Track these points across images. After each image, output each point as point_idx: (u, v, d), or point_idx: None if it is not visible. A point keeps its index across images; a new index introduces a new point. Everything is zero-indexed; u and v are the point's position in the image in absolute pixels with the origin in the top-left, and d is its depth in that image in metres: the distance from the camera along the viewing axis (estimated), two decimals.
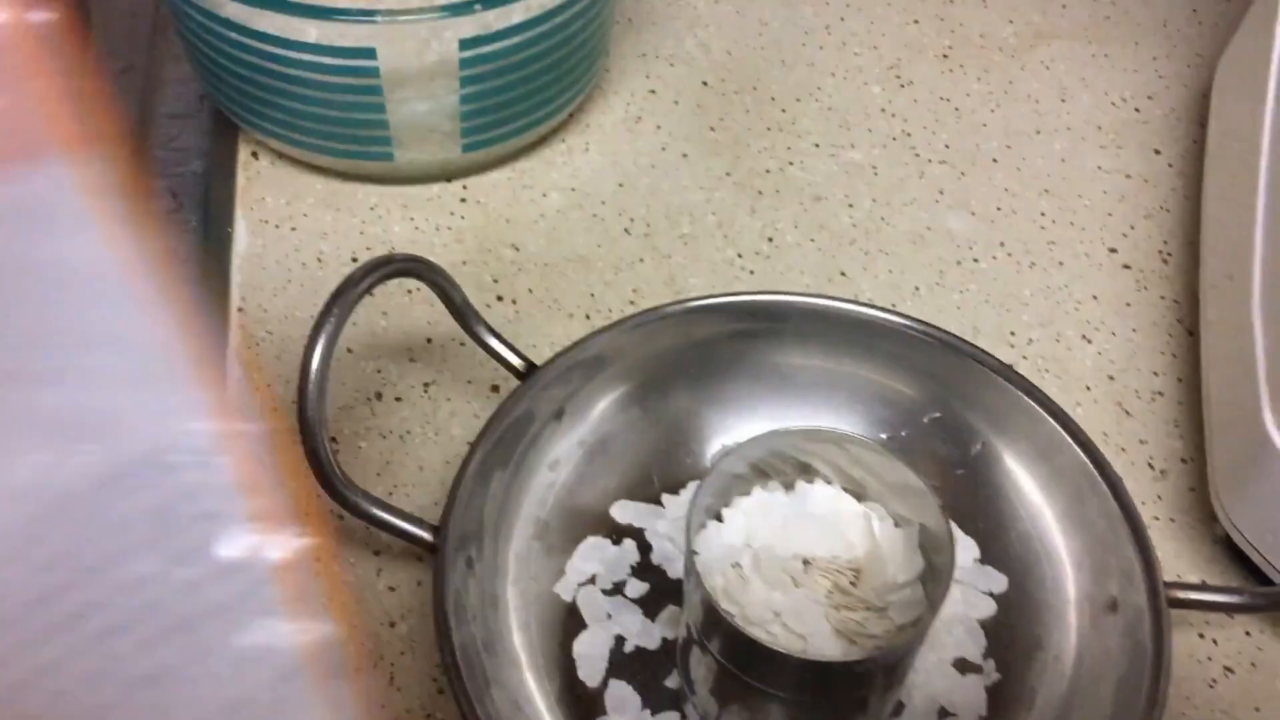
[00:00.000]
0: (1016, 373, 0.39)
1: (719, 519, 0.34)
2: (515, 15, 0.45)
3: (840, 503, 0.34)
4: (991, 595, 0.38)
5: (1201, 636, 0.39)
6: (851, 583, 0.33)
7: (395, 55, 0.45)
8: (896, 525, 0.34)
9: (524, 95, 0.49)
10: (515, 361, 0.39)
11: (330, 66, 0.46)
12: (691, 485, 0.40)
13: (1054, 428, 0.38)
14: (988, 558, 0.39)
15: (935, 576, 0.32)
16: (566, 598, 0.38)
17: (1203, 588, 0.35)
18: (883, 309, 0.41)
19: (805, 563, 0.33)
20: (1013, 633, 0.38)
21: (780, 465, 0.35)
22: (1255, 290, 0.39)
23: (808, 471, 0.35)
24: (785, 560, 0.33)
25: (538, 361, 0.40)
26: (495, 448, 0.38)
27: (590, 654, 0.37)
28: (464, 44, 0.45)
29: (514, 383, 0.40)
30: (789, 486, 0.35)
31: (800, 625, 0.31)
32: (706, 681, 0.33)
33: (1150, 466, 0.43)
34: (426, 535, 0.35)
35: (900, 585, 0.32)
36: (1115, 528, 0.36)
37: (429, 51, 0.45)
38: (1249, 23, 0.50)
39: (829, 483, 0.34)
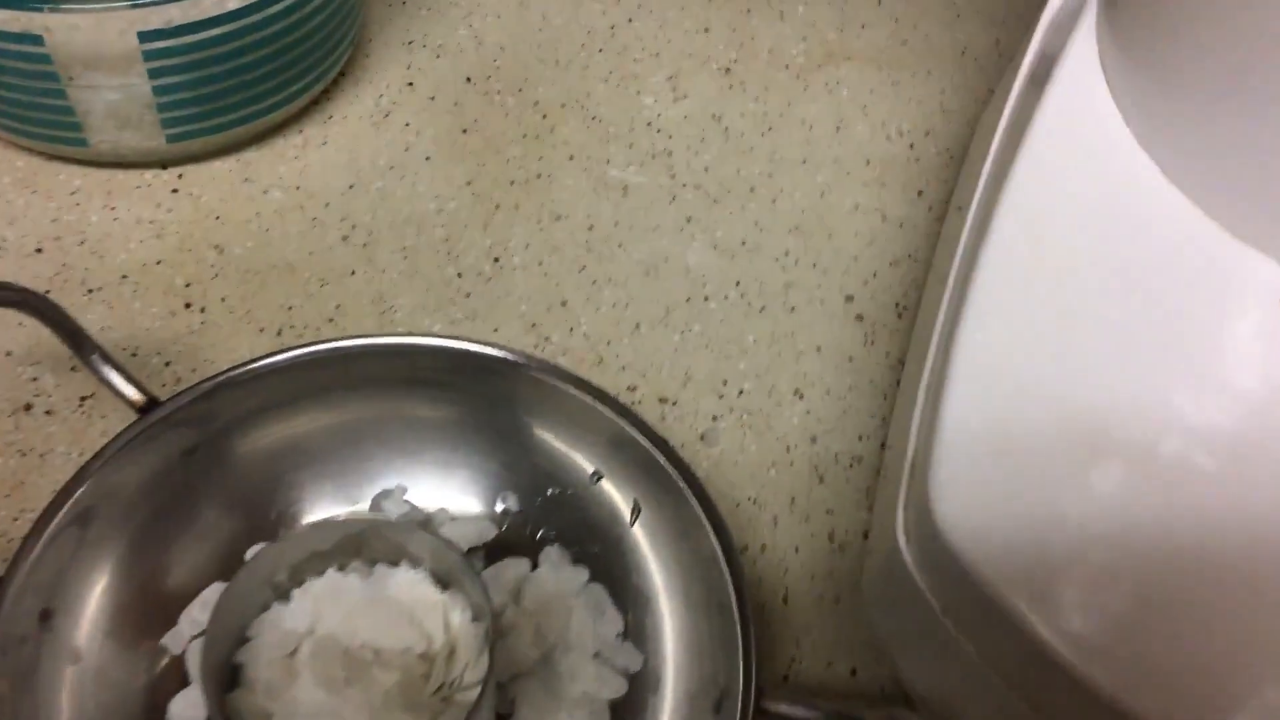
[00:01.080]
0: (669, 446, 0.37)
1: (287, 598, 0.32)
2: (203, 9, 0.42)
3: (421, 589, 0.32)
4: (626, 674, 0.37)
5: None
6: (424, 676, 0.31)
7: (67, 43, 0.41)
8: (476, 618, 0.32)
9: (234, 88, 0.46)
10: (133, 395, 0.36)
11: (2, 50, 0.42)
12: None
13: (695, 507, 0.36)
14: (631, 634, 0.37)
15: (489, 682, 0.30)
16: (175, 650, 0.36)
17: (800, 697, 0.33)
18: (540, 362, 0.38)
19: (376, 652, 0.31)
20: (637, 717, 0.36)
21: (374, 543, 0.32)
22: (926, 367, 0.37)
23: (401, 552, 0.32)
24: (351, 650, 0.31)
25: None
26: (96, 488, 0.35)
27: (186, 715, 0.35)
28: (144, 36, 0.42)
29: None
30: (371, 568, 0.32)
31: None
32: None
33: (830, 539, 0.41)
34: None
35: (468, 685, 0.31)
36: (731, 623, 0.34)
37: (106, 42, 0.42)
38: (1010, 72, 0.48)
39: (415, 566, 0.32)
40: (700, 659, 0.35)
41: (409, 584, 0.32)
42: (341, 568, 0.32)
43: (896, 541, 0.34)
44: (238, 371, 0.37)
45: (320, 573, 0.32)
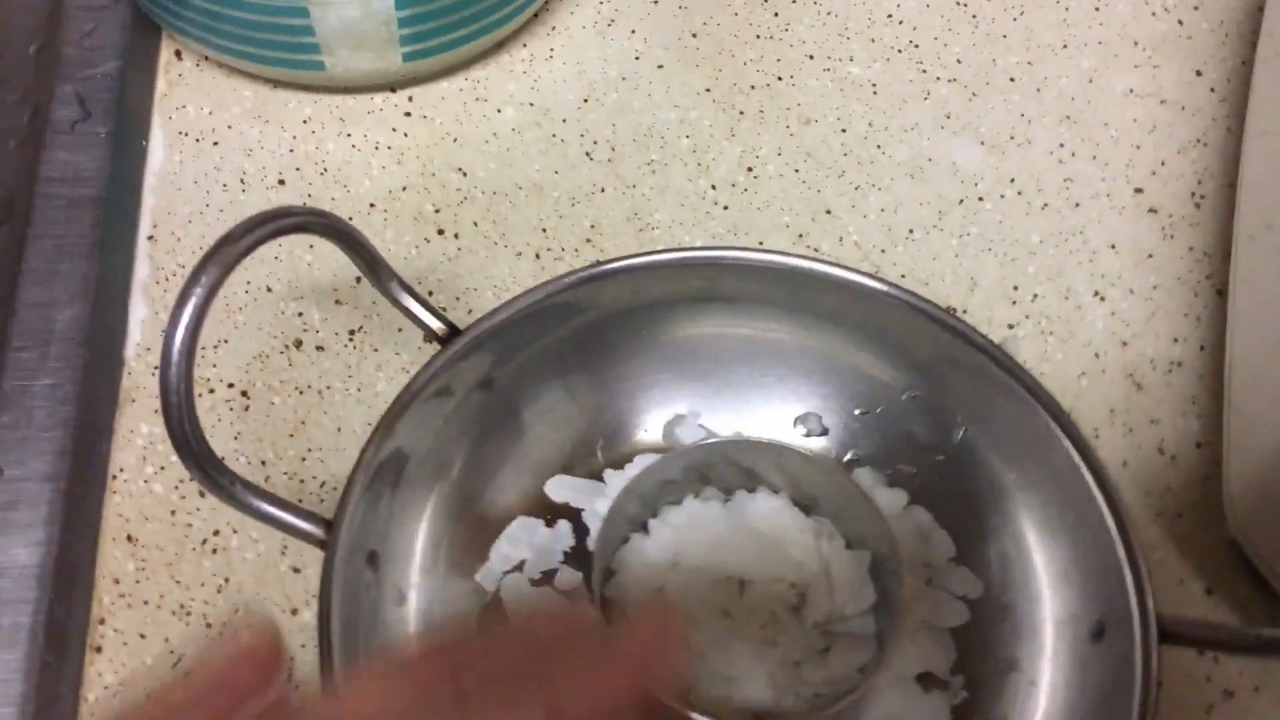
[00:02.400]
0: (1004, 353, 0.34)
1: (645, 529, 0.29)
2: None
3: (785, 516, 0.29)
4: (965, 601, 0.34)
5: (1201, 653, 0.35)
6: (794, 608, 0.28)
7: None
8: (849, 546, 0.29)
9: (467, 1, 0.43)
10: (434, 324, 0.34)
11: None
12: (639, 460, 0.35)
13: (1045, 420, 0.33)
14: (964, 557, 0.35)
15: (889, 615, 0.27)
16: (489, 587, 0.34)
17: (1204, 626, 0.30)
18: (856, 270, 0.35)
19: (741, 584, 0.29)
20: (986, 647, 0.33)
21: (722, 470, 0.30)
22: None
23: (752, 478, 0.30)
24: (718, 582, 0.29)
25: (467, 319, 0.35)
26: (406, 425, 0.33)
27: None
28: None
29: None
30: (727, 495, 0.30)
31: (728, 666, 0.27)
32: None
33: (1160, 451, 0.38)
34: (316, 531, 0.31)
35: (849, 617, 0.28)
36: (1107, 544, 0.31)
37: None
38: None
39: (775, 492, 0.30)
40: (1062, 583, 0.33)
41: (771, 511, 0.29)
42: (697, 495, 0.30)
43: None
44: (540, 295, 0.35)
45: (676, 502, 0.30)
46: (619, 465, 0.36)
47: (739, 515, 0.29)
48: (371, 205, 0.43)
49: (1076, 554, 0.32)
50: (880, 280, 0.35)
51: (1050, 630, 0.32)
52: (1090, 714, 0.30)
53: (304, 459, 0.38)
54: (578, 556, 0.35)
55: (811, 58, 0.48)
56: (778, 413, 0.37)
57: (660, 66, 0.48)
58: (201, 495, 0.37)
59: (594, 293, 0.35)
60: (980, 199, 0.44)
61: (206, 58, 0.46)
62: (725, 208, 0.44)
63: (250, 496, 0.30)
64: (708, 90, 0.47)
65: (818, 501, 0.30)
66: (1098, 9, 0.49)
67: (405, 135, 0.45)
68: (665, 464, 0.29)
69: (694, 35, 0.49)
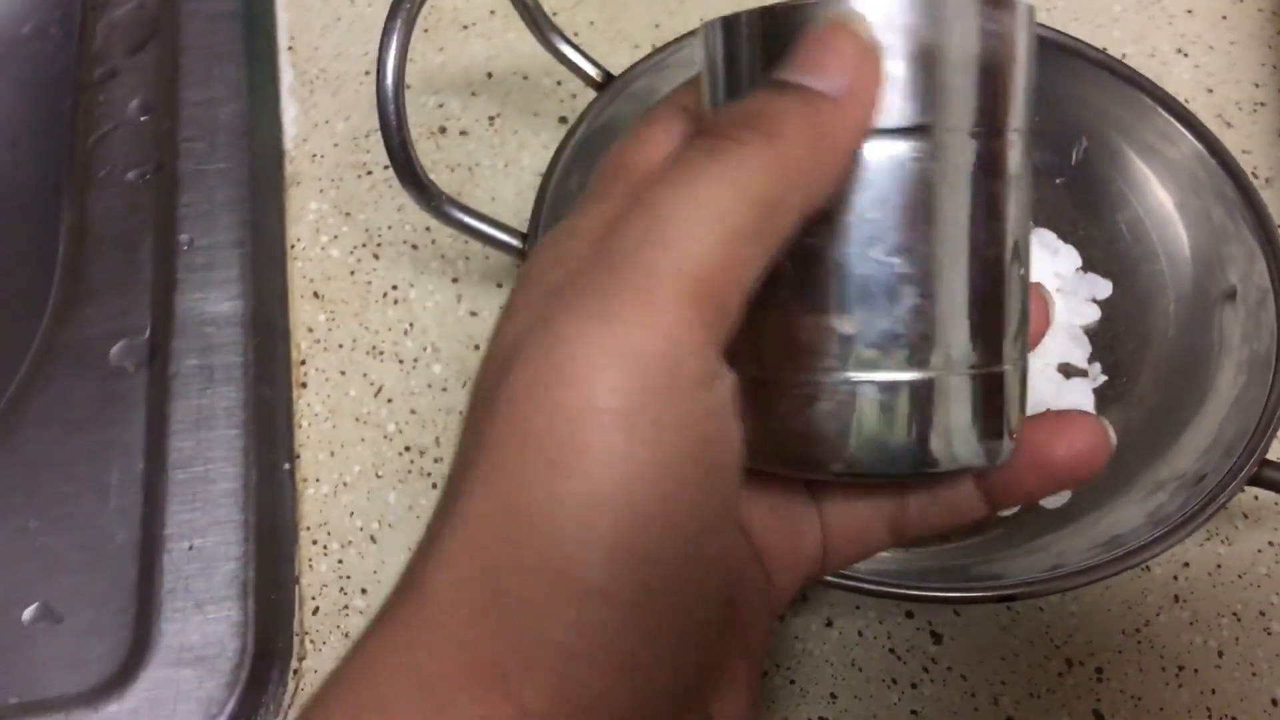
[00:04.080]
0: (1120, 63, 0.37)
1: None
2: None
3: None
4: (1095, 301, 0.37)
5: None
6: None
7: None
8: None
9: None
10: (592, 71, 0.37)
11: None
12: None
13: (1165, 118, 0.36)
14: (1090, 264, 0.38)
15: None
16: None
17: None
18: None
19: None
20: (1118, 335, 0.37)
21: None
22: None
23: None
24: None
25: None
26: (578, 155, 0.36)
27: None
28: None
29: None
30: None
31: None
32: None
33: (1255, 176, 0.41)
34: (514, 241, 0.34)
35: None
36: (1234, 214, 0.34)
37: None
38: None
39: None
40: (1195, 259, 0.36)
41: None
42: None
43: None
44: (688, 40, 0.38)
45: None
46: None
47: None
48: (492, 12, 0.46)
49: (1204, 233, 0.35)
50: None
51: (1183, 305, 0.35)
52: (1231, 366, 0.33)
53: None
54: None
55: None
56: None
57: None
58: (375, 257, 0.40)
59: None
60: None
61: None
62: None
63: (454, 209, 0.33)
64: None
65: None
66: None
67: None
68: None
69: None
